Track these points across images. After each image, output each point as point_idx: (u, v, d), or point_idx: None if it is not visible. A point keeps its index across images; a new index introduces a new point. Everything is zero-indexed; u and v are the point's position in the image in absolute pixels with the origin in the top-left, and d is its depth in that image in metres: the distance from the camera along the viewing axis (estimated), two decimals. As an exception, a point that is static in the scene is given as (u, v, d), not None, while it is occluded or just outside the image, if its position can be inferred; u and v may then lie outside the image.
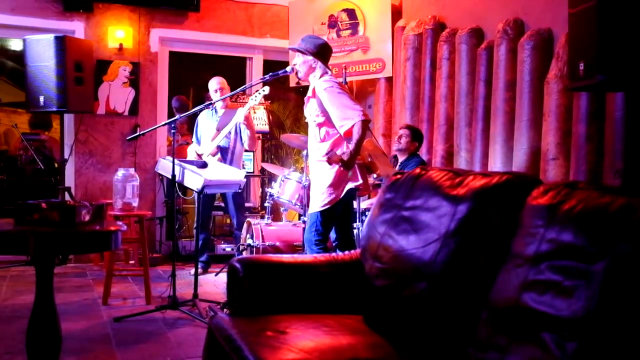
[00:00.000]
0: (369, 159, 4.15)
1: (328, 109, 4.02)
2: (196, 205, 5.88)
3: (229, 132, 5.66)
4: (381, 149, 4.40)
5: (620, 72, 2.83)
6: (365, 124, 3.95)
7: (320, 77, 4.14)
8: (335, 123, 4.01)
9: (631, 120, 3.33)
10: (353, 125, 3.92)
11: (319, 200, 4.10)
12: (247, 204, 7.04)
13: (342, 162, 3.92)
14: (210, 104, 5.20)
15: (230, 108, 5.89)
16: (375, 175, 4.24)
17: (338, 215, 4.18)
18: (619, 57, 2.81)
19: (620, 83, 2.96)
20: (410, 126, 5.19)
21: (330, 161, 3.96)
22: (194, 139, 6.03)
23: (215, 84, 5.82)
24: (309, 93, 4.19)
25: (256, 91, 5.59)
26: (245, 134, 5.72)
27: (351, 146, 3.93)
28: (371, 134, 4.58)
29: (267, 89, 5.47)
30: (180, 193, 5.35)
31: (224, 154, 5.75)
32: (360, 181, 4.11)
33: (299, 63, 4.20)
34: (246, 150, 6.01)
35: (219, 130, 5.71)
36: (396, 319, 2.31)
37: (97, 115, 6.48)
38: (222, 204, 6.31)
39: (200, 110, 5.69)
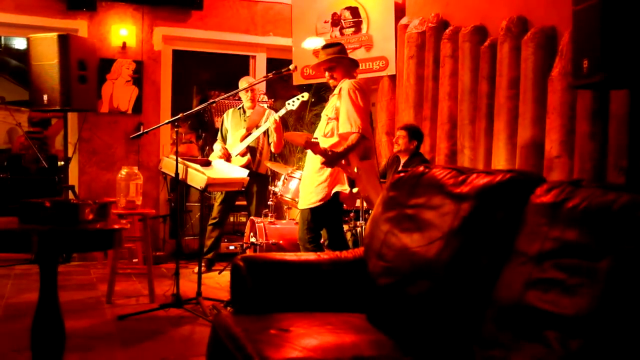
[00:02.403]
0: (355, 172, 4.17)
1: (340, 109, 4.14)
2: (217, 202, 5.92)
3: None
4: (376, 175, 4.44)
5: (624, 70, 2.82)
6: (361, 138, 4.07)
7: (349, 78, 4.30)
8: (339, 123, 4.14)
9: (635, 118, 3.32)
10: (350, 133, 4.06)
11: (312, 196, 4.21)
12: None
13: (325, 155, 4.02)
14: (213, 102, 5.20)
15: (258, 108, 5.93)
16: (354, 190, 4.29)
17: (327, 215, 4.27)
18: (623, 54, 2.80)
19: (624, 80, 2.95)
20: (406, 126, 5.16)
21: (310, 146, 4.09)
22: (219, 136, 6.08)
23: (245, 84, 5.88)
24: (335, 91, 4.31)
25: (293, 96, 5.60)
26: (273, 137, 5.77)
27: (340, 147, 4.07)
28: (375, 154, 4.62)
29: (306, 95, 5.50)
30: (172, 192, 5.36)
31: (253, 154, 5.82)
32: (347, 188, 4.18)
33: (335, 73, 4.34)
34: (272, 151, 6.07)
35: (248, 130, 5.75)
36: (400, 317, 2.31)
37: (100, 113, 6.49)
38: (245, 203, 6.32)
39: (204, 109, 5.71)
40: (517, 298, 1.82)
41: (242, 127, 5.87)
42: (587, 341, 1.57)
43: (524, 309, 1.79)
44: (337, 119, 4.17)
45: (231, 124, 5.99)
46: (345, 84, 4.19)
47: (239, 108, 6.03)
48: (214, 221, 5.89)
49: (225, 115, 6.11)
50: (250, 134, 5.77)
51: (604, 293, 1.58)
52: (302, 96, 5.52)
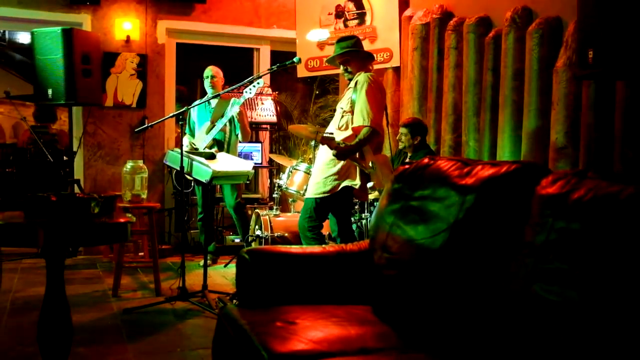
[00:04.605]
0: (370, 168, 4.18)
1: (355, 102, 4.15)
2: (199, 197, 5.93)
3: (225, 125, 5.67)
4: (390, 168, 4.45)
5: (629, 60, 2.80)
6: (373, 133, 4.07)
7: (365, 71, 4.29)
8: (353, 117, 4.16)
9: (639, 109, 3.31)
10: (362, 127, 4.06)
11: (319, 187, 4.21)
12: (255, 195, 7.04)
13: (336, 149, 4.03)
14: (218, 95, 5.20)
15: (223, 99, 5.87)
16: (369, 185, 4.30)
17: (333, 207, 4.26)
18: (628, 45, 2.78)
19: (629, 71, 2.94)
20: (406, 123, 5.10)
21: (324, 141, 4.07)
22: (186, 130, 5.98)
23: (210, 72, 5.88)
24: (351, 84, 4.30)
25: (250, 83, 5.56)
26: (238, 127, 5.75)
27: (352, 142, 4.06)
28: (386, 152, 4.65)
29: (261, 82, 5.45)
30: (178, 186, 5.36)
31: (220, 146, 5.75)
32: (358, 183, 4.17)
33: (350, 67, 4.35)
34: (240, 142, 6.03)
35: (213, 122, 5.71)
36: (405, 309, 2.31)
37: (105, 107, 6.50)
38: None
39: (207, 101, 5.70)
40: (523, 289, 1.82)
41: (206, 119, 5.80)
42: (594, 332, 1.58)
43: (530, 299, 1.79)
44: (352, 112, 4.17)
45: (197, 116, 5.93)
46: (362, 78, 4.19)
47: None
48: (201, 216, 5.89)
49: (192, 108, 6.03)
50: (214, 126, 5.73)
51: (610, 284, 1.58)
52: (258, 83, 5.47)
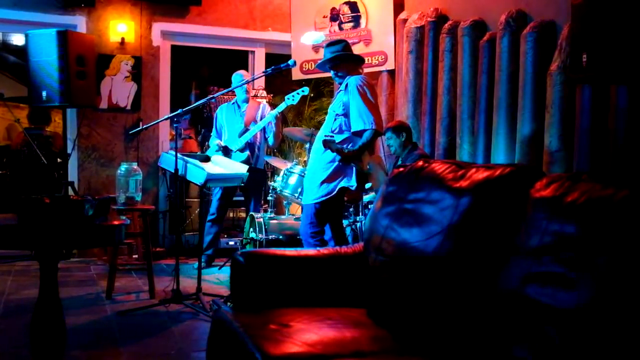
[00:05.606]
0: (367, 169, 4.19)
1: (350, 105, 4.14)
2: (215, 199, 5.94)
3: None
4: (385, 169, 4.45)
5: (623, 64, 2.81)
6: (376, 134, 4.10)
7: (355, 74, 4.29)
8: (350, 121, 4.15)
9: (634, 112, 3.32)
10: (364, 130, 4.08)
11: (317, 191, 4.19)
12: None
13: (340, 153, 4.04)
14: (213, 97, 5.20)
15: (253, 102, 5.94)
16: (368, 185, 4.30)
17: (331, 210, 4.25)
18: (621, 49, 2.80)
19: (622, 75, 2.95)
20: (388, 127, 5.10)
21: (326, 145, 4.08)
22: (213, 132, 6.08)
23: (239, 77, 5.91)
24: (342, 87, 4.31)
25: (293, 90, 5.62)
26: (272, 132, 5.81)
27: (355, 145, 4.09)
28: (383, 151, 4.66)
29: (306, 89, 5.51)
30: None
31: (251, 149, 5.83)
32: (355, 184, 4.17)
33: (340, 70, 4.34)
34: (270, 146, 6.11)
35: (247, 125, 5.75)
36: (399, 311, 2.31)
37: (99, 109, 6.49)
38: (242, 198, 6.32)
39: (203, 104, 5.71)
40: (516, 292, 1.82)
41: (238, 123, 5.86)
42: (586, 335, 1.58)
43: (523, 303, 1.79)
44: (345, 115, 4.17)
45: (226, 119, 5.98)
46: (352, 80, 4.19)
47: (233, 103, 6.03)
48: (212, 217, 5.90)
49: (218, 111, 6.11)
50: (248, 129, 5.77)
51: (603, 287, 1.58)
52: (303, 91, 5.52)
